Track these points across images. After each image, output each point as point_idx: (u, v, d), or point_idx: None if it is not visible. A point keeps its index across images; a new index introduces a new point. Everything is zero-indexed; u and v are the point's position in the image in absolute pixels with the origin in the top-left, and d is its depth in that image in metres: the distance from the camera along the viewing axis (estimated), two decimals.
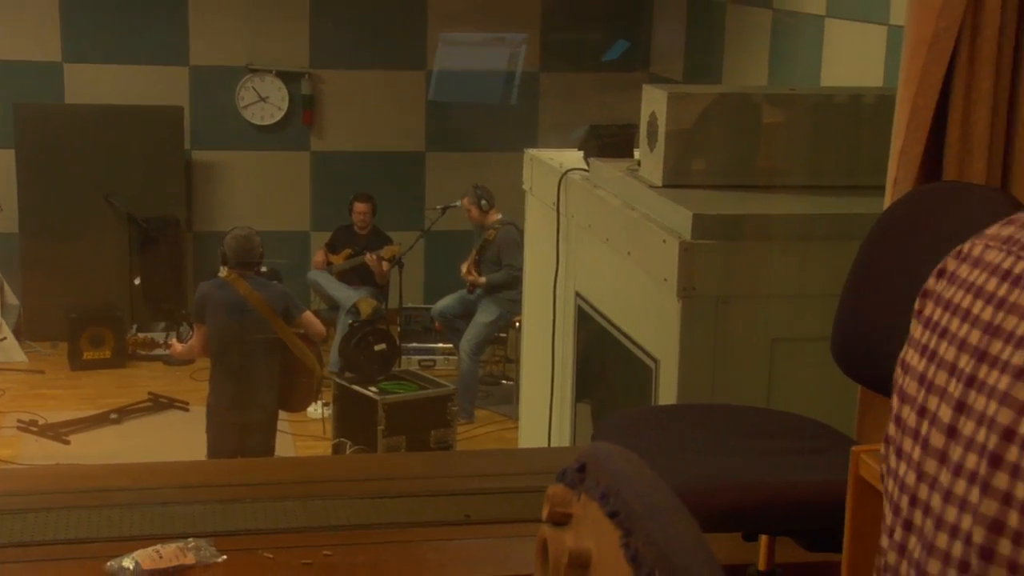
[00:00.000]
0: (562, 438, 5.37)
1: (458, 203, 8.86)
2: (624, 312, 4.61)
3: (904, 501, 1.24)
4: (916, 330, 1.26)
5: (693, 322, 3.96)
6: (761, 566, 2.74)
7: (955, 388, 1.17)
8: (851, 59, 5.96)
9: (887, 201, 2.76)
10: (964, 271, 1.22)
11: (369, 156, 9.93)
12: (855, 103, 4.59)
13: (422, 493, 3.54)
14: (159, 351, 8.20)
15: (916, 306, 1.28)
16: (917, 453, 1.22)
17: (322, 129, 9.91)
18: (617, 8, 9.87)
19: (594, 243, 4.84)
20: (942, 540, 1.17)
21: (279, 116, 9.81)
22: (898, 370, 1.28)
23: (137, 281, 9.45)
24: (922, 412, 1.21)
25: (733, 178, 4.40)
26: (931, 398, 1.21)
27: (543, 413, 5.53)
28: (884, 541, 1.29)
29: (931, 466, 1.19)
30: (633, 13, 9.78)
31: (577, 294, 5.10)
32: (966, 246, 1.25)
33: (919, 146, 2.70)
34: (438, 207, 9.20)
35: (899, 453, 1.26)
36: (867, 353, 2.74)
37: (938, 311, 1.23)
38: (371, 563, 2.99)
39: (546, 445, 5.48)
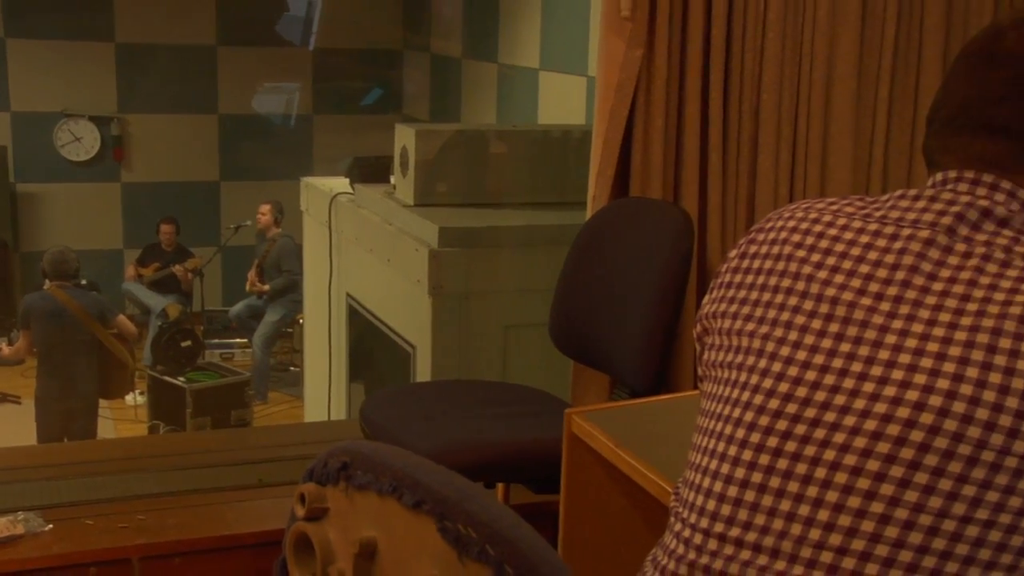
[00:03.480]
0: (340, 412, 5.33)
1: (248, 222, 8.79)
2: (386, 308, 4.60)
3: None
4: None
5: (442, 314, 3.97)
6: None
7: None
8: (560, 102, 6.07)
9: (588, 213, 2.81)
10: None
11: (172, 185, 9.62)
12: (564, 137, 4.67)
13: (223, 463, 3.44)
14: None
15: None
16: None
17: (131, 163, 9.53)
18: (374, 62, 9.83)
19: (360, 253, 4.81)
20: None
21: (93, 153, 9.38)
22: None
23: None
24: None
25: (470, 198, 4.43)
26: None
27: (324, 393, 5.48)
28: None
29: None
30: (387, 66, 9.75)
31: (348, 295, 5.06)
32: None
33: (611, 169, 2.75)
34: (232, 226, 9.12)
35: None
36: (576, 335, 2.79)
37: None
38: (179, 524, 2.90)
39: (327, 419, 5.44)
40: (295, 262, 7.63)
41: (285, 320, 8.64)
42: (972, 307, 1.06)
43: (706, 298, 1.27)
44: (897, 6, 2.82)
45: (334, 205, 5.08)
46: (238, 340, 9.05)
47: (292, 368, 8.95)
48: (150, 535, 2.82)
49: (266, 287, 8.56)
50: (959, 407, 1.03)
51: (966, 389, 1.03)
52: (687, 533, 1.14)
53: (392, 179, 4.70)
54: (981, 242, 1.11)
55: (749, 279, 1.21)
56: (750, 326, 1.17)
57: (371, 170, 5.00)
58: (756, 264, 1.21)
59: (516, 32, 6.72)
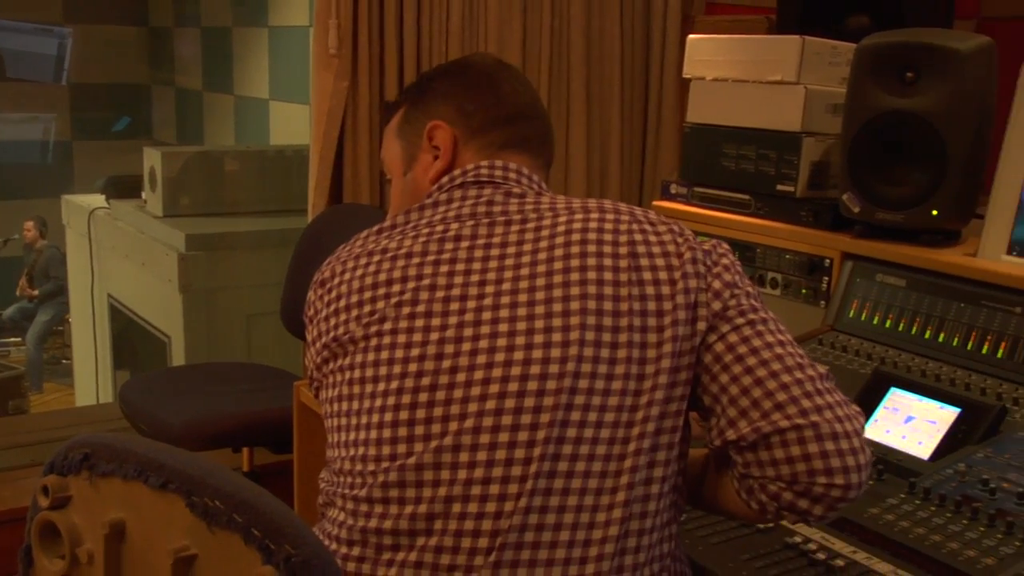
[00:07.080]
0: (107, 397, 5.06)
1: (16, 236, 8.13)
2: (144, 305, 4.37)
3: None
4: None
5: (192, 308, 3.82)
6: (245, 468, 2.66)
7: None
8: (287, 127, 5.93)
9: (309, 218, 2.76)
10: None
11: None
12: (291, 155, 4.59)
13: (1, 448, 3.15)
14: None
15: None
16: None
17: None
18: (126, 94, 9.27)
19: (118, 259, 4.55)
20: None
21: None
22: None
23: None
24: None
25: (211, 208, 4.28)
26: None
27: (92, 381, 5.17)
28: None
29: None
30: (138, 97, 9.22)
31: (109, 295, 4.78)
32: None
33: (327, 181, 2.71)
34: (1, 240, 8.34)
35: None
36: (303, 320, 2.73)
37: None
38: None
39: (96, 403, 5.13)
40: (61, 269, 7.14)
41: (55, 319, 8.09)
42: (526, 262, 1.11)
43: (314, 331, 1.22)
44: (549, 48, 2.91)
45: (92, 219, 4.78)
46: (13, 339, 8.37)
47: (64, 361, 8.35)
48: None
49: (36, 292, 8.00)
50: (539, 353, 1.04)
51: (540, 338, 1.05)
52: (351, 506, 1.10)
53: (143, 195, 4.47)
54: (514, 212, 1.17)
55: (355, 312, 1.16)
56: (373, 341, 1.14)
57: (124, 187, 4.77)
58: (355, 299, 1.17)
59: (248, 68, 6.51)
